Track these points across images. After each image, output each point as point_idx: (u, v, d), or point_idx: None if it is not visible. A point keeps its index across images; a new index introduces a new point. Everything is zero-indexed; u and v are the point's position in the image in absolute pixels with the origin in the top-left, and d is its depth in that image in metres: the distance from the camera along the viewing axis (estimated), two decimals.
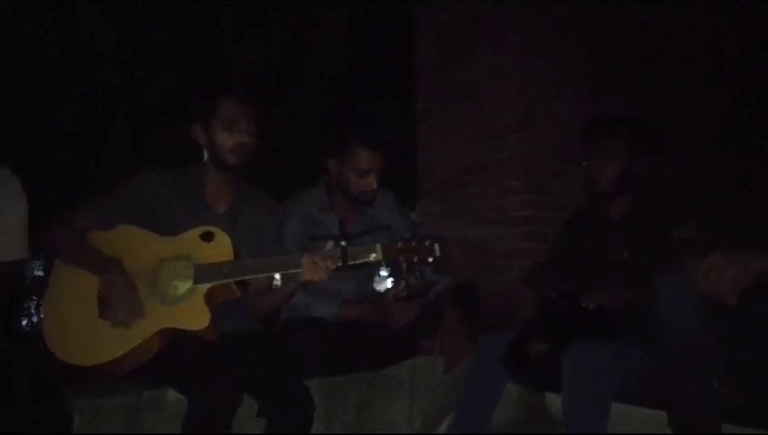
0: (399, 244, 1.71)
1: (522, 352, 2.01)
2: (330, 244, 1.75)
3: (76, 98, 3.68)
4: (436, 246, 1.69)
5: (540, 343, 1.99)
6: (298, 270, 1.76)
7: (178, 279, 1.81)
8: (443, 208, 3.44)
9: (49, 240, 1.83)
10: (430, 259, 1.68)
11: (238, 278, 1.83)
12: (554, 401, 2.36)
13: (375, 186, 2.24)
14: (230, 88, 1.92)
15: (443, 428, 2.25)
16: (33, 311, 5.75)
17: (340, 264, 1.76)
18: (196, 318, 1.75)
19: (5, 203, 1.67)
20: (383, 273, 2.34)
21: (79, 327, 1.77)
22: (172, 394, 1.76)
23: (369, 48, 3.92)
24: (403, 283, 2.15)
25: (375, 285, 2.32)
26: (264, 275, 1.82)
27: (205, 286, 1.79)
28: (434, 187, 3.49)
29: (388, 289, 2.19)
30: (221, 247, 1.84)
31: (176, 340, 1.76)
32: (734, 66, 3.58)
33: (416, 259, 1.69)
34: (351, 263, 1.74)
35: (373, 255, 1.72)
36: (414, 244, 1.70)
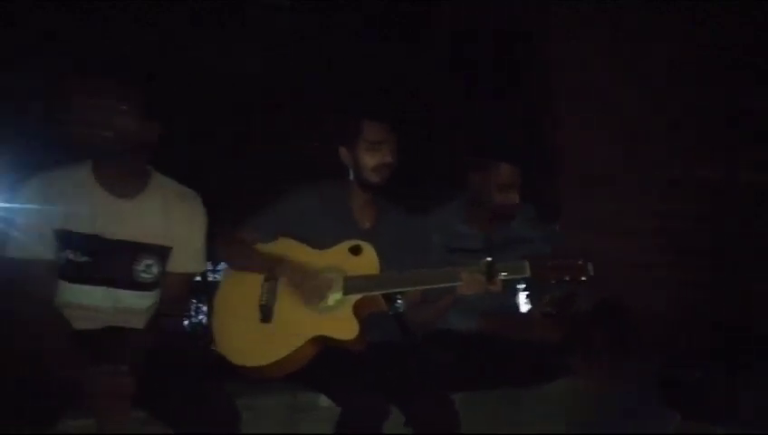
0: (549, 262, 1.68)
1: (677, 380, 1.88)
2: (486, 260, 1.75)
3: (229, 116, 4.02)
4: (590, 266, 1.64)
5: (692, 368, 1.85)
6: (452, 284, 1.79)
7: (329, 290, 1.92)
8: (582, 219, 3.31)
9: (220, 250, 2.03)
10: (583, 278, 1.63)
11: (385, 291, 1.91)
12: None
13: (517, 200, 2.21)
14: (373, 111, 2.01)
15: None
16: (192, 312, 6.34)
17: (486, 279, 1.76)
18: (345, 328, 1.84)
19: (194, 221, 1.87)
20: (519, 286, 2.31)
21: (242, 331, 1.94)
22: (324, 399, 1.86)
23: (499, 58, 3.88)
24: (548, 298, 2.10)
25: (511, 298, 2.29)
26: (415, 288, 1.87)
27: (353, 298, 1.88)
28: (573, 197, 3.38)
29: (535, 305, 2.15)
30: (368, 261, 1.93)
31: (326, 349, 1.86)
32: None
33: (568, 278, 1.64)
34: (500, 279, 1.73)
35: (522, 272, 1.70)
36: (566, 262, 1.66)
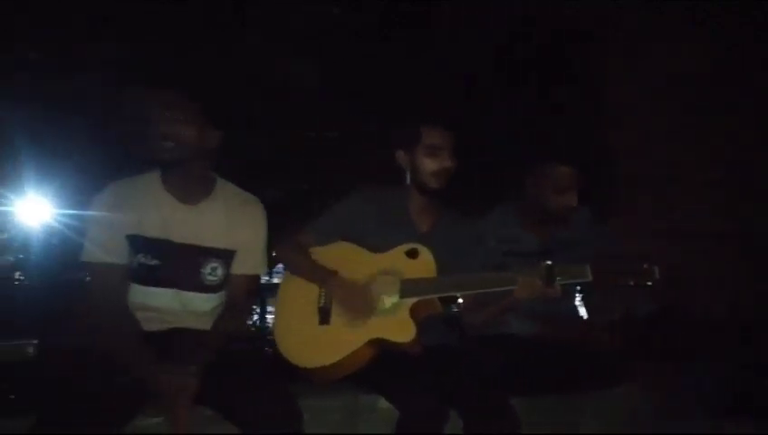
0: (613, 265, 1.64)
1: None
2: (545, 263, 1.74)
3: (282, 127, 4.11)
4: (656, 269, 1.59)
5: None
6: (509, 288, 1.78)
7: (385, 293, 1.94)
8: (639, 221, 3.23)
9: (280, 254, 2.10)
10: (649, 283, 1.59)
11: (442, 294, 1.91)
12: None
13: (575, 203, 2.17)
14: (433, 116, 2.01)
15: None
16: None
17: (545, 282, 1.74)
18: (402, 331, 1.86)
19: (256, 225, 1.94)
20: (577, 289, 2.26)
21: (302, 332, 1.98)
22: (383, 401, 1.88)
23: (552, 58, 3.82)
24: (609, 303, 2.05)
25: (569, 302, 2.25)
26: (471, 292, 1.87)
27: (410, 301, 1.90)
28: (629, 198, 3.30)
29: (595, 310, 2.11)
30: (425, 264, 1.94)
31: (384, 352, 1.88)
32: None
33: (632, 283, 1.60)
34: (559, 283, 1.71)
35: (583, 276, 1.67)
36: (631, 266, 1.62)
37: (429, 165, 2.00)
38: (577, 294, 2.33)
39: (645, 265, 1.61)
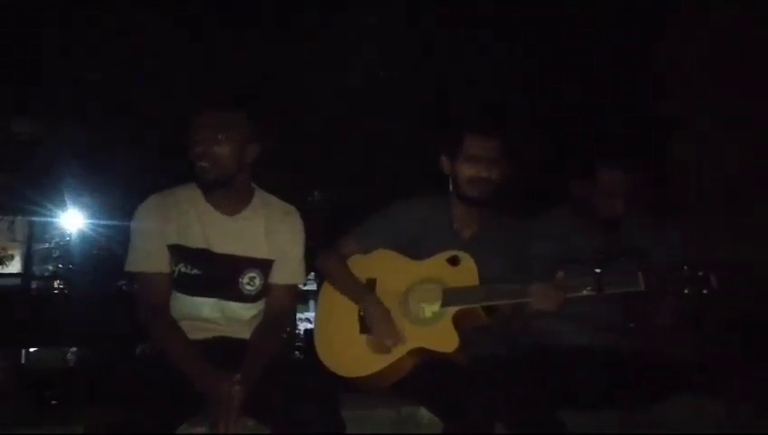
0: (667, 273, 1.58)
1: None
2: (560, 274, 1.73)
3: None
4: (713, 278, 1.52)
5: None
6: (521, 301, 1.76)
7: (426, 302, 1.91)
8: (707, 227, 3.09)
9: (320, 265, 2.07)
10: (705, 291, 1.52)
11: (485, 303, 1.86)
12: None
13: (621, 208, 2.10)
14: (477, 124, 1.98)
15: None
16: None
17: (594, 293, 1.68)
18: (444, 340, 1.82)
19: (294, 235, 1.93)
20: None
21: (343, 341, 1.96)
22: (425, 412, 1.84)
23: (603, 56, 3.71)
24: (668, 311, 1.96)
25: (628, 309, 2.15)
26: (514, 301, 1.82)
27: (452, 310, 1.85)
28: (695, 201, 3.17)
29: (653, 316, 2.01)
30: (467, 272, 1.89)
31: (430, 362, 1.84)
32: None
33: (687, 291, 1.53)
34: (608, 292, 1.65)
35: (633, 286, 1.61)
36: (685, 274, 1.55)
37: (467, 171, 1.96)
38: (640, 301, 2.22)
39: (700, 273, 1.54)
